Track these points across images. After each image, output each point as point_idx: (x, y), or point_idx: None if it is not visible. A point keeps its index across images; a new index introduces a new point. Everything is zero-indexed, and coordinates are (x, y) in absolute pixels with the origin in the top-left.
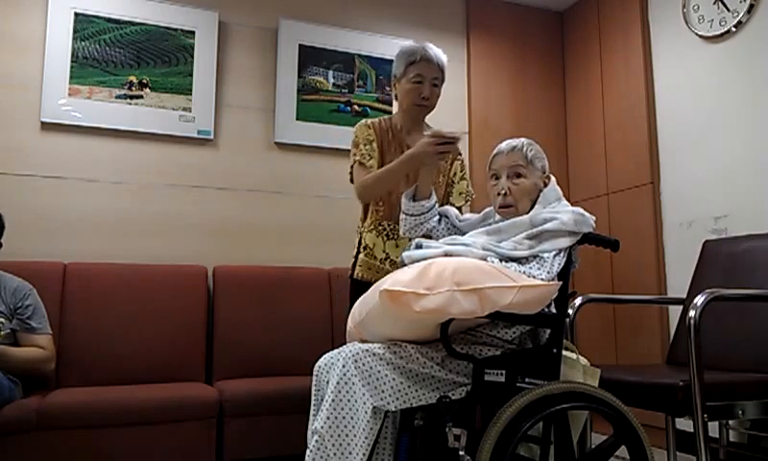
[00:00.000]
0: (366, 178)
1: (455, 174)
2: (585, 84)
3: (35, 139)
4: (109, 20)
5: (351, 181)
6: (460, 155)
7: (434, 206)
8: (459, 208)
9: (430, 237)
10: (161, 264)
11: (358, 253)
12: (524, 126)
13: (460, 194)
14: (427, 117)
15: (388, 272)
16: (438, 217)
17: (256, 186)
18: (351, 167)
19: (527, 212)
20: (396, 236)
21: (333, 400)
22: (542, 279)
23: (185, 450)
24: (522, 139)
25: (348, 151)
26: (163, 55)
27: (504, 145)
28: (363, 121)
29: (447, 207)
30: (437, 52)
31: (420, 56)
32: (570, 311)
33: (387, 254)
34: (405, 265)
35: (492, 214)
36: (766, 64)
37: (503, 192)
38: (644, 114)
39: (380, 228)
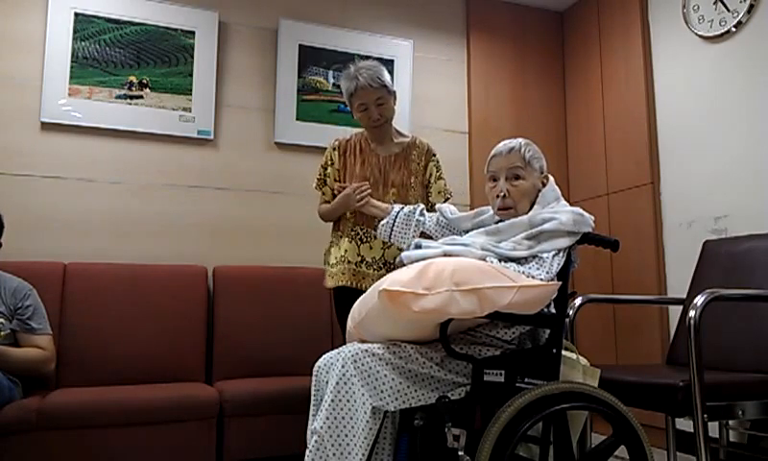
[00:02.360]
0: (320, 208)
1: (431, 175)
2: (585, 84)
3: (34, 139)
4: (109, 20)
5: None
6: (434, 156)
7: (399, 211)
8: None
9: (428, 237)
10: (161, 264)
11: (330, 263)
12: (524, 126)
13: (438, 193)
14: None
15: (364, 273)
16: (423, 215)
17: (256, 186)
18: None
19: (526, 213)
20: (369, 239)
21: (333, 401)
22: (542, 280)
23: (185, 450)
24: (520, 140)
25: None
26: (163, 55)
27: (501, 146)
28: (334, 140)
29: (441, 205)
30: (371, 73)
31: (356, 86)
32: (570, 311)
33: (362, 256)
34: (404, 265)
35: (485, 211)
36: (766, 64)
37: (502, 194)
38: (644, 114)
39: (353, 233)
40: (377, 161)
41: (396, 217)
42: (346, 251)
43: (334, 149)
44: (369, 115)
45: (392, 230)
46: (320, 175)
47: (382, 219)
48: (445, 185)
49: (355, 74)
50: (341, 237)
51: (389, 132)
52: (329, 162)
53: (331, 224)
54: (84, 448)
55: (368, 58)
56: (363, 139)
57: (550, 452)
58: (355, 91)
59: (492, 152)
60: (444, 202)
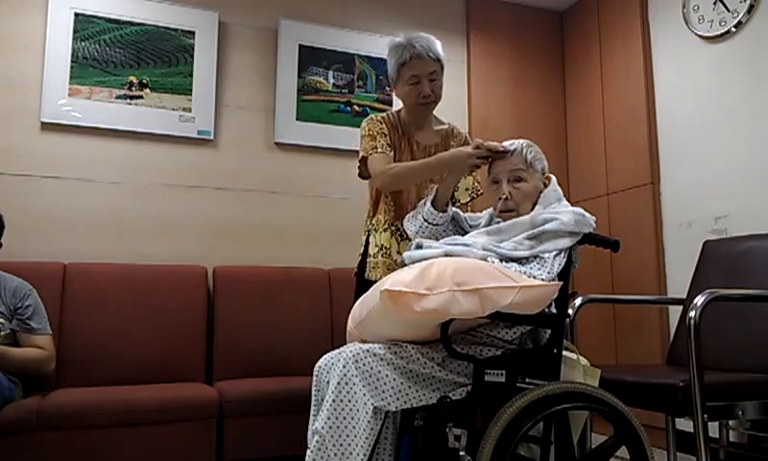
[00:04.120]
0: (397, 166)
1: None
2: (585, 84)
3: (35, 139)
4: (109, 20)
5: (360, 175)
6: None
7: (452, 217)
8: (464, 205)
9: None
10: (161, 264)
11: (366, 252)
12: (524, 126)
13: (465, 190)
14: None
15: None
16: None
17: (256, 186)
18: (361, 160)
19: (528, 214)
20: (407, 236)
21: (334, 401)
22: (543, 280)
23: (185, 450)
24: (521, 141)
25: (348, 151)
26: (163, 55)
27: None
28: (372, 116)
29: (457, 211)
30: (428, 44)
31: (410, 54)
32: (570, 311)
33: (401, 254)
34: (405, 265)
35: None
36: (766, 64)
37: (504, 197)
38: (644, 114)
39: (393, 228)
40: (418, 152)
41: (449, 220)
42: (390, 245)
43: (380, 121)
44: (419, 90)
45: (439, 226)
46: (372, 145)
47: (441, 197)
48: (474, 182)
49: (410, 42)
50: (380, 229)
51: (430, 116)
52: (381, 132)
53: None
54: (84, 448)
55: (368, 57)
56: (400, 122)
57: (551, 453)
58: (410, 60)
59: None
60: (471, 200)
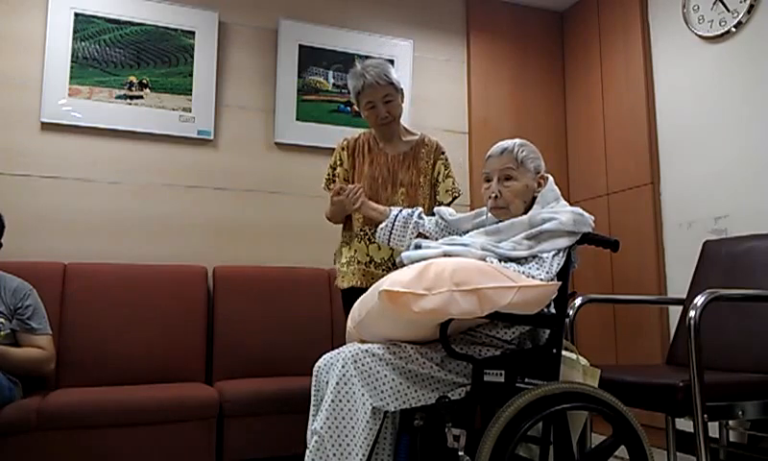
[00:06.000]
0: (327, 209)
1: (439, 173)
2: (585, 84)
3: (34, 139)
4: (109, 20)
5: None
6: (443, 154)
7: (398, 214)
8: (447, 205)
9: (428, 238)
10: (161, 264)
11: (341, 263)
12: (524, 126)
13: (446, 192)
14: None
15: (373, 273)
16: (422, 218)
17: (256, 186)
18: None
19: (521, 213)
20: (375, 241)
21: (333, 401)
22: (542, 280)
23: (185, 450)
24: (515, 140)
25: None
26: (163, 55)
27: (496, 147)
28: (343, 140)
29: (440, 208)
30: (377, 72)
31: (363, 84)
32: (570, 311)
33: (371, 256)
34: (405, 265)
35: (484, 213)
36: (766, 64)
37: (494, 195)
38: (644, 114)
39: (362, 233)
40: (386, 160)
41: (394, 221)
42: (355, 251)
43: (343, 149)
44: (376, 113)
45: (390, 234)
46: (328, 175)
47: (380, 222)
48: (453, 184)
49: (362, 72)
50: (351, 237)
51: (397, 130)
52: (338, 162)
53: (340, 225)
54: (84, 448)
55: (368, 57)
56: (371, 138)
57: (550, 452)
58: (363, 89)
59: (488, 153)
60: (452, 201)
